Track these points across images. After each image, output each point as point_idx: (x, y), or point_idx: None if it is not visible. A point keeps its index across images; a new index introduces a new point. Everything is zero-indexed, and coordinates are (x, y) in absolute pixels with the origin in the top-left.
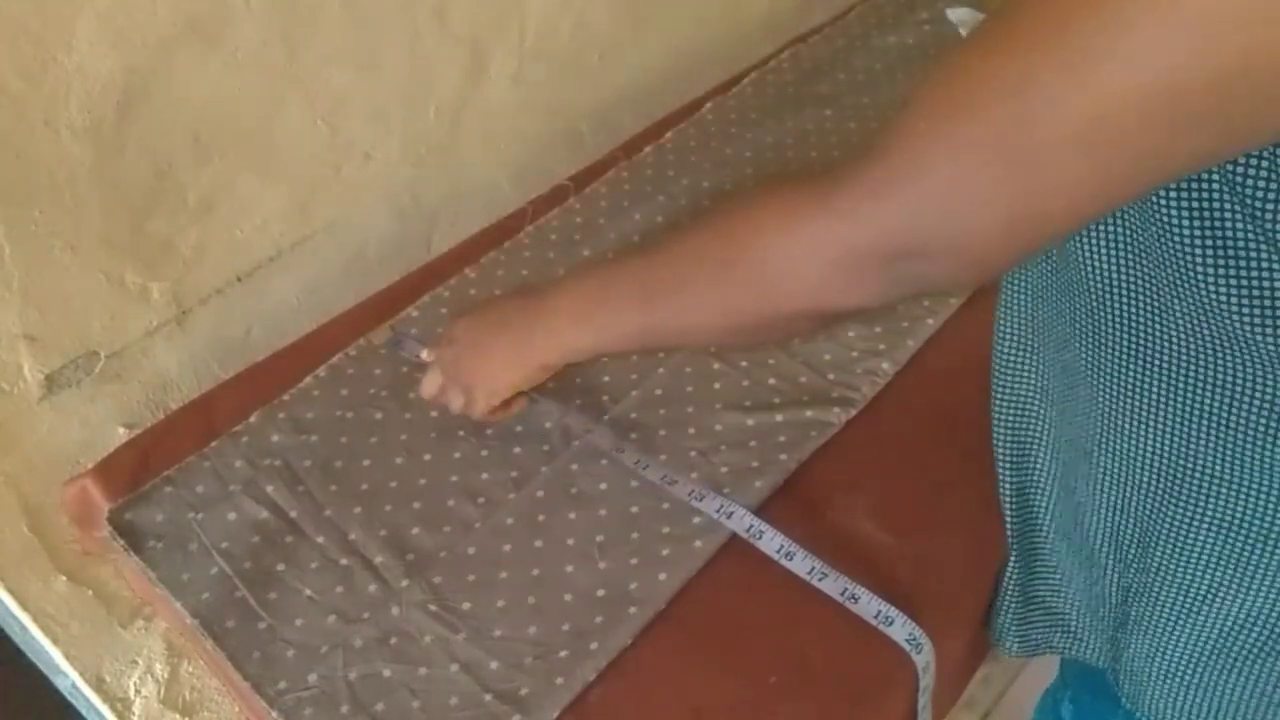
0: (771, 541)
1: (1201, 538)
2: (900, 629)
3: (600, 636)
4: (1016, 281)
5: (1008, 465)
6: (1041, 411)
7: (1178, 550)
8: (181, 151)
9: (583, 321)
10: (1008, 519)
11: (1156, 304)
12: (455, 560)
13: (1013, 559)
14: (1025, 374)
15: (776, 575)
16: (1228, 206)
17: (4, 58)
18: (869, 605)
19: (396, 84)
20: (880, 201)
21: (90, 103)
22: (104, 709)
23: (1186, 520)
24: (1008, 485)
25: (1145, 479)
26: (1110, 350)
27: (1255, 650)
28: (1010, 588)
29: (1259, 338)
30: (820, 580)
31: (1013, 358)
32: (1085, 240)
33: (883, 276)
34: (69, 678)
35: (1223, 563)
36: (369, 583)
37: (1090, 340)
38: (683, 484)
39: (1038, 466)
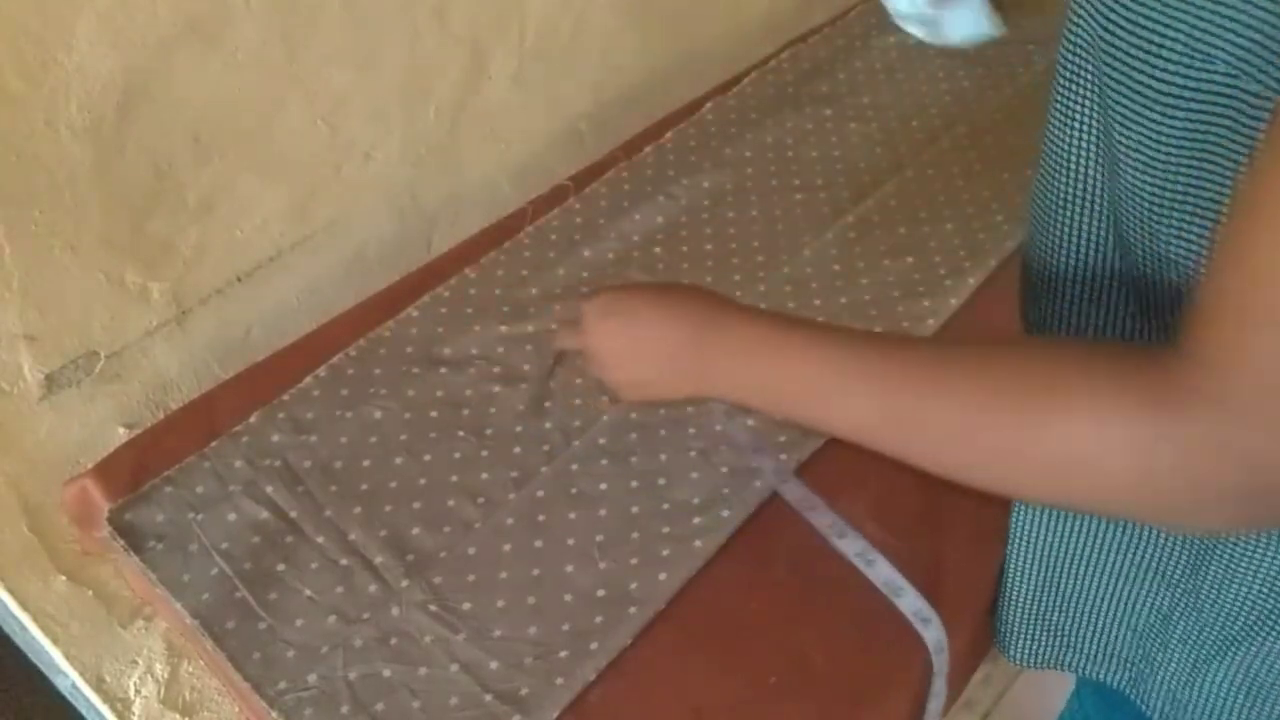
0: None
1: (1258, 558)
2: (909, 602)
3: (600, 636)
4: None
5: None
6: None
7: (1230, 571)
8: (181, 151)
9: (775, 395)
10: (1020, 536)
11: None
12: (455, 560)
13: (1015, 577)
14: None
15: (777, 575)
16: None
17: (4, 58)
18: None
19: (396, 84)
20: (1239, 428)
21: (90, 103)
22: (104, 709)
23: (1244, 539)
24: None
25: None
26: None
27: None
28: (1015, 604)
29: None
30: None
31: None
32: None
33: (1243, 507)
34: (69, 678)
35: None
36: (369, 583)
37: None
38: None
39: None
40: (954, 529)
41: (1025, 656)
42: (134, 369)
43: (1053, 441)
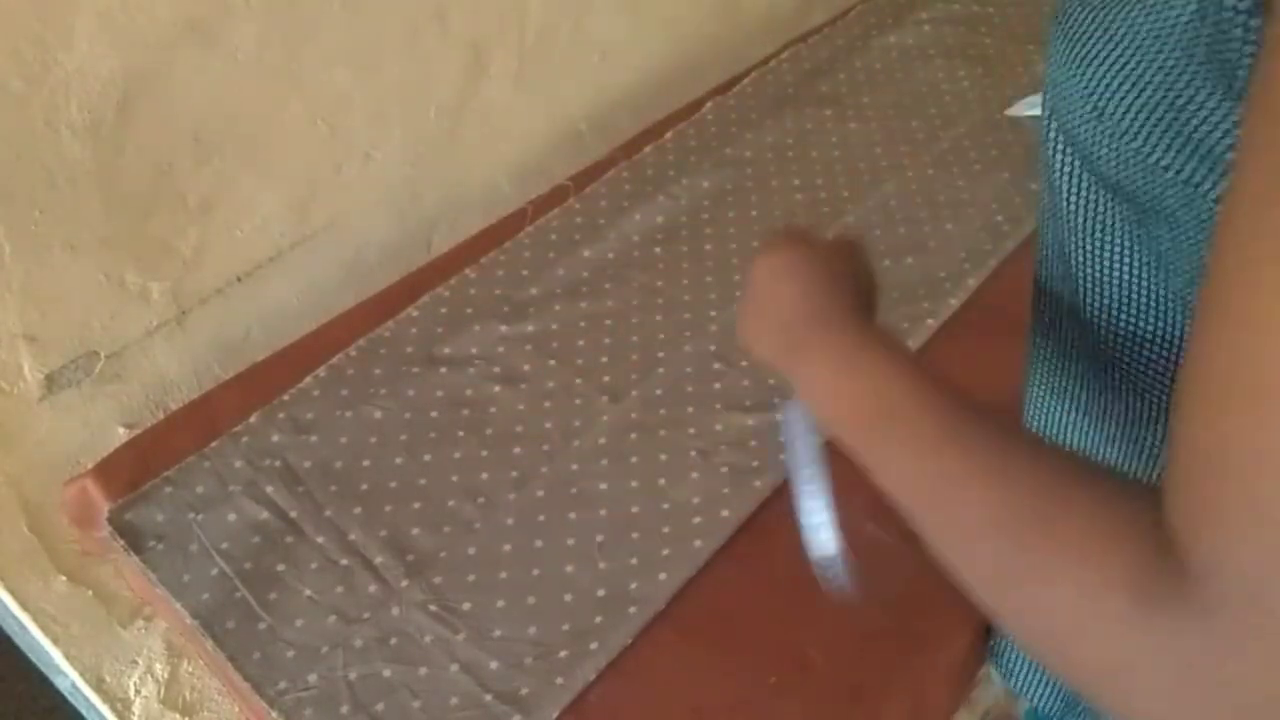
0: None
1: None
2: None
3: (600, 636)
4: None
5: None
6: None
7: None
8: (181, 151)
9: (841, 410)
10: None
11: None
12: (455, 560)
13: None
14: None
15: (777, 575)
16: None
17: (4, 58)
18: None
19: (396, 84)
20: (1225, 650)
21: (90, 103)
22: (104, 709)
23: None
24: None
25: None
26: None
27: None
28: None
29: None
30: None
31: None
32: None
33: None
34: (69, 678)
35: None
36: (369, 583)
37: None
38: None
39: None
40: None
41: (1011, 678)
42: (134, 369)
43: (1034, 597)
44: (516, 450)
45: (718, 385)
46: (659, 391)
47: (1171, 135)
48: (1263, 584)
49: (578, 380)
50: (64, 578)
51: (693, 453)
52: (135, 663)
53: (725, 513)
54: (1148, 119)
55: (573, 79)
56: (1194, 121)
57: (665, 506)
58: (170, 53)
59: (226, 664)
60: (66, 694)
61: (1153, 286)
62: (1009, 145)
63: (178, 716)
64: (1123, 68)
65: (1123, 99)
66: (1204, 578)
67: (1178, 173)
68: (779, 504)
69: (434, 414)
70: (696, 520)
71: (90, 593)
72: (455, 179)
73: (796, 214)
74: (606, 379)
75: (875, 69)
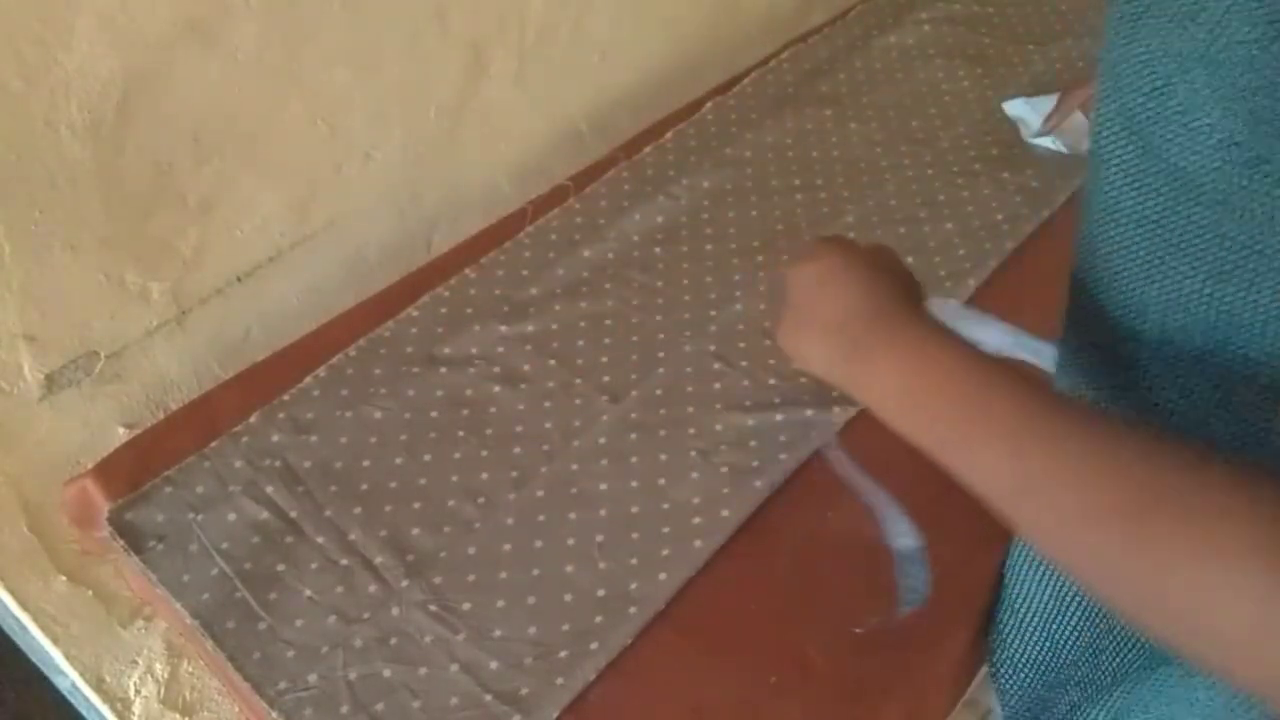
0: None
1: None
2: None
3: (600, 636)
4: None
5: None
6: None
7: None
8: (181, 151)
9: (916, 409)
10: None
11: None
12: (455, 560)
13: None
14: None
15: (777, 575)
16: None
17: (4, 58)
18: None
19: (396, 84)
20: None
21: (90, 103)
22: (104, 709)
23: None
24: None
25: None
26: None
27: None
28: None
29: None
30: None
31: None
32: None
33: None
34: (69, 678)
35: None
36: (369, 583)
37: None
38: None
39: None
40: (954, 531)
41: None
42: (134, 369)
43: (1187, 585)
44: (516, 450)
45: (718, 385)
46: (659, 391)
47: (1249, 108)
48: None
49: (578, 380)
50: (64, 578)
51: (693, 453)
52: (135, 663)
53: (725, 513)
54: (1218, 90)
55: (573, 79)
56: (1274, 97)
57: (665, 506)
58: (170, 53)
59: (226, 664)
60: (66, 694)
61: (1215, 296)
62: (1009, 145)
63: (178, 716)
64: (1189, 42)
65: (1188, 72)
66: None
67: (1250, 149)
68: (779, 504)
69: (434, 414)
70: (696, 520)
71: (90, 593)
72: (455, 179)
73: (796, 214)
74: (606, 379)
75: (875, 69)
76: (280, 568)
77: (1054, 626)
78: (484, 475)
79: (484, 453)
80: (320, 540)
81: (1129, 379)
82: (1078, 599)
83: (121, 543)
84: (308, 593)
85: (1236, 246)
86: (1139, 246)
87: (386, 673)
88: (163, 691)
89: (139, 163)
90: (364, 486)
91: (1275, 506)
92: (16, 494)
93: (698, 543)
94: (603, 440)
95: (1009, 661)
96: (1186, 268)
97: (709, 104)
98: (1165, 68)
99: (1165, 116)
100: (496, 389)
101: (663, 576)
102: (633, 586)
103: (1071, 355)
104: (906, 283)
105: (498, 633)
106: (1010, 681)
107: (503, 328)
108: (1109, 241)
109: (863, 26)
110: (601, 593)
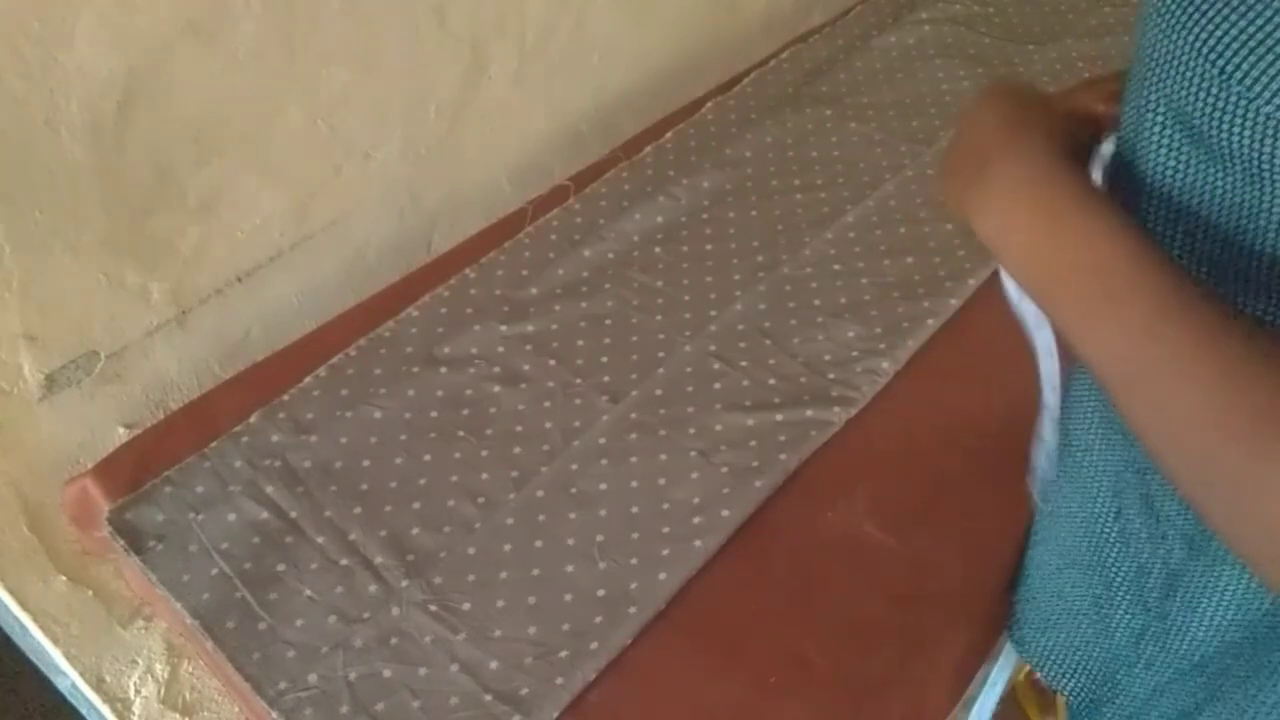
0: None
1: (1225, 585)
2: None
3: (600, 636)
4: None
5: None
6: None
7: (1198, 596)
8: (181, 151)
9: (1039, 262)
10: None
11: None
12: (455, 560)
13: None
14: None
15: (777, 575)
16: None
17: (4, 58)
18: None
19: (396, 84)
20: None
21: (90, 103)
22: (104, 709)
23: (1215, 566)
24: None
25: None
26: None
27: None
28: (1025, 598)
29: None
30: None
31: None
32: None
33: None
34: (69, 678)
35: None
36: (369, 583)
37: None
38: None
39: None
40: (952, 529)
41: (1027, 649)
42: (134, 369)
43: (1259, 498)
44: (516, 450)
45: (718, 385)
46: (659, 391)
47: None
48: None
49: (578, 380)
50: (64, 578)
51: (693, 453)
52: (135, 663)
53: (725, 513)
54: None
55: (573, 79)
56: None
57: (665, 506)
58: (170, 53)
59: (226, 664)
60: (66, 694)
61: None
62: None
63: (178, 716)
64: (1252, 21)
65: (1249, 55)
66: None
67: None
68: (779, 504)
69: (434, 414)
70: (696, 520)
71: (90, 593)
72: (455, 179)
73: (796, 214)
74: (606, 379)
75: (875, 69)
76: (280, 568)
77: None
78: (484, 475)
79: (484, 453)
80: (320, 540)
81: None
82: (1061, 607)
83: (121, 543)
84: (308, 593)
85: None
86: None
87: (386, 673)
88: (163, 691)
89: (139, 163)
90: (364, 486)
91: None
92: (16, 494)
93: (698, 543)
94: (603, 440)
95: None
96: (1236, 258)
97: (709, 104)
98: (1223, 53)
99: (1224, 106)
100: (496, 389)
101: (663, 576)
102: (633, 586)
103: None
104: (1066, 127)
105: (498, 633)
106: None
107: (503, 328)
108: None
109: (863, 26)
110: (601, 593)
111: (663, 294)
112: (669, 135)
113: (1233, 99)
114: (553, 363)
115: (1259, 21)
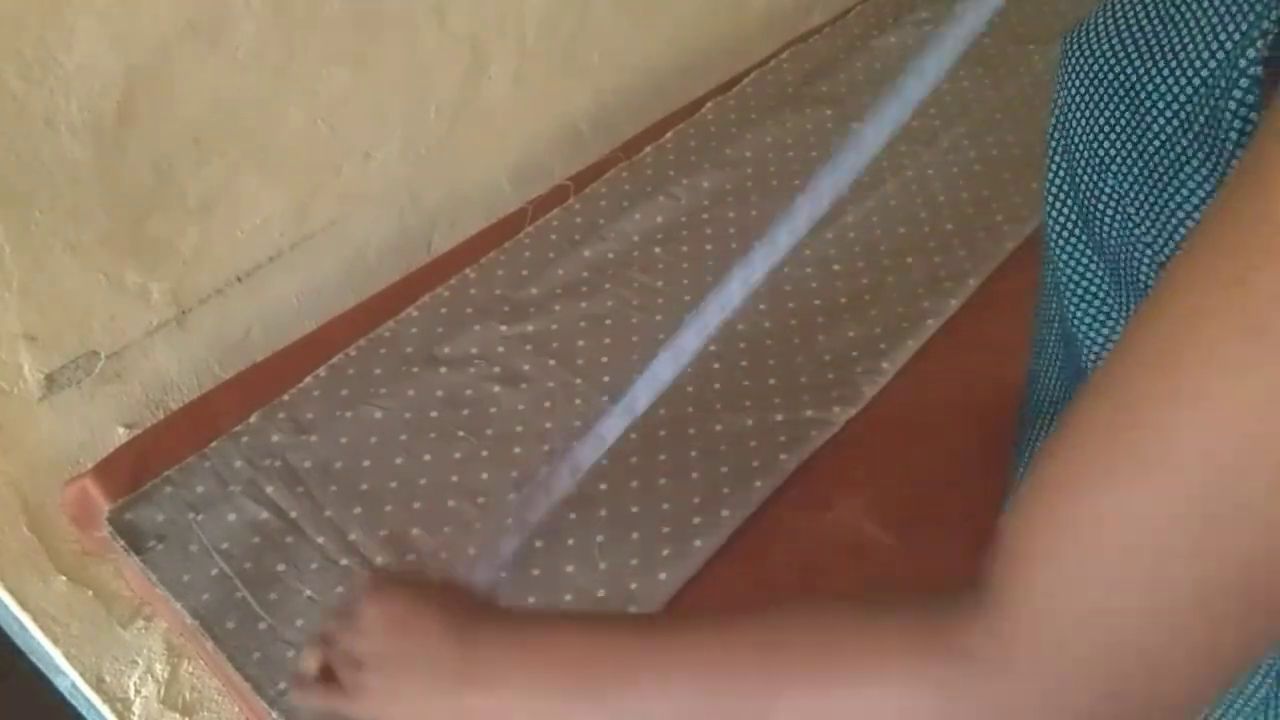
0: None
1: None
2: None
3: None
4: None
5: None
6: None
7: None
8: (181, 151)
9: (550, 699)
10: None
11: None
12: (455, 561)
13: None
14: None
15: (776, 575)
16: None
17: (4, 58)
18: None
19: (396, 84)
20: (1018, 690)
21: (90, 103)
22: (104, 709)
23: None
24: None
25: None
26: None
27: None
28: None
29: None
30: None
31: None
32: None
33: None
34: (69, 678)
35: None
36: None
37: None
38: None
39: None
40: (952, 529)
41: None
42: (134, 369)
43: (856, 714)
44: (517, 450)
45: (718, 385)
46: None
47: (1158, 207)
48: (1051, 623)
49: (578, 380)
50: (64, 578)
51: (693, 453)
52: (135, 663)
53: (725, 513)
54: (1149, 177)
55: (573, 79)
56: (1178, 197)
57: (665, 506)
58: (170, 53)
59: (226, 664)
60: (66, 694)
61: None
62: (1009, 145)
63: (178, 716)
64: (1129, 122)
65: (1128, 152)
66: (999, 623)
67: (1156, 249)
68: (779, 504)
69: (434, 414)
70: (696, 520)
71: (90, 593)
72: (455, 179)
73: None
74: (606, 379)
75: (875, 69)
76: (280, 568)
77: None
78: (484, 475)
79: (484, 453)
80: (320, 540)
81: None
82: None
83: (121, 543)
84: (308, 593)
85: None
86: (1095, 293)
87: None
88: (163, 691)
89: (139, 162)
90: (364, 486)
91: (889, 614)
92: (16, 494)
93: (697, 543)
94: None
95: None
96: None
97: (709, 104)
98: (1107, 147)
99: (1102, 192)
100: (496, 389)
101: (662, 576)
102: (633, 586)
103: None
104: (463, 597)
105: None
106: None
107: (503, 328)
108: (1059, 285)
109: (863, 26)
110: (601, 593)
111: (663, 294)
112: (669, 135)
113: (1111, 185)
114: (553, 363)
115: (1134, 118)
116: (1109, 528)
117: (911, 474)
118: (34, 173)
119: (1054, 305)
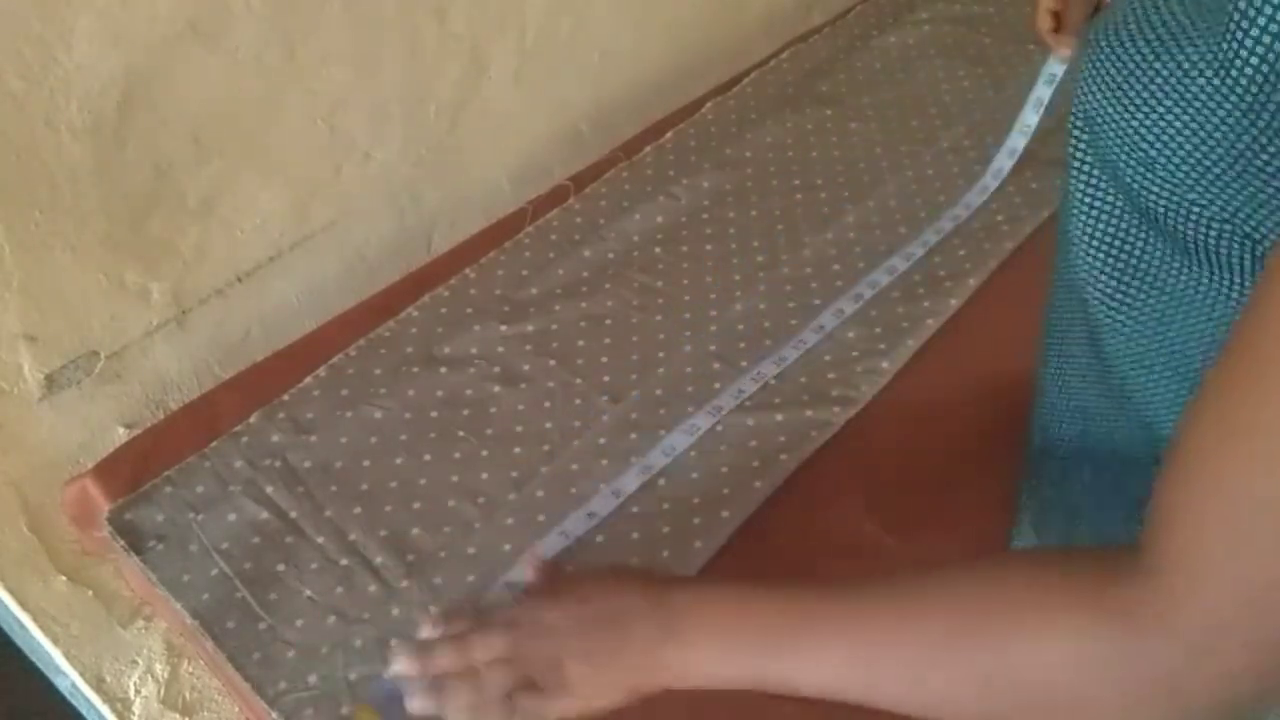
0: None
1: None
2: None
3: None
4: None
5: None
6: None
7: None
8: (181, 151)
9: (739, 646)
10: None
11: None
12: (455, 560)
13: None
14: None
15: (776, 575)
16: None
17: (4, 58)
18: None
19: (396, 84)
20: (1182, 647)
21: (90, 103)
22: (104, 709)
23: None
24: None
25: None
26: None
27: None
28: None
29: None
30: None
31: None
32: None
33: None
34: (69, 678)
35: None
36: (369, 583)
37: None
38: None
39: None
40: (953, 529)
41: None
42: (134, 369)
43: (1023, 666)
44: (516, 450)
45: (717, 385)
46: (659, 391)
47: (1234, 189)
48: (1226, 601)
49: (578, 380)
50: (64, 578)
51: (692, 453)
52: (135, 663)
53: (725, 513)
54: (1206, 172)
55: (573, 79)
56: (1260, 179)
57: (665, 506)
58: (170, 53)
59: (226, 664)
60: (66, 694)
61: (1179, 321)
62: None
63: (178, 716)
64: (1177, 119)
65: (1176, 151)
66: (1175, 596)
67: (1239, 224)
68: (779, 505)
69: (434, 414)
70: (696, 521)
71: (90, 593)
72: (455, 179)
73: (796, 214)
74: (606, 379)
75: (875, 69)
76: (280, 568)
77: None
78: (484, 475)
79: (484, 453)
80: (320, 540)
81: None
82: None
83: (121, 543)
84: (308, 593)
85: (1201, 283)
86: (1108, 276)
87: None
88: (163, 691)
89: (139, 163)
90: (364, 486)
91: (1085, 577)
92: (16, 494)
93: (697, 544)
94: (603, 440)
95: None
96: (1153, 299)
97: (709, 104)
98: (1152, 143)
99: (1151, 186)
100: (496, 389)
101: None
102: None
103: (1051, 374)
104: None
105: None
106: None
107: (503, 328)
108: (1077, 269)
109: (863, 26)
110: None
111: (663, 294)
112: (669, 135)
113: (1158, 182)
114: (553, 363)
115: (1182, 115)
116: (1267, 501)
117: (911, 474)
118: (34, 173)
119: (1073, 304)
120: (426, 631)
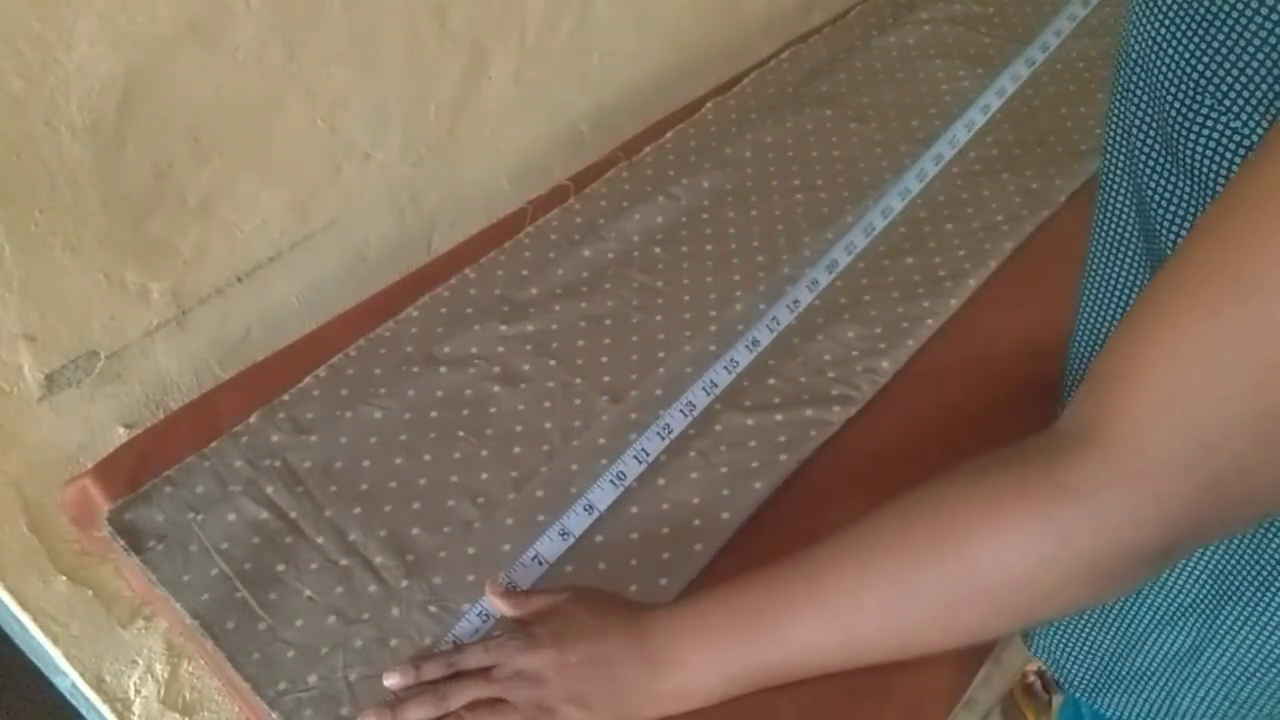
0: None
1: (1272, 609)
2: None
3: None
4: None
5: None
6: None
7: (1250, 610)
8: (181, 151)
9: (728, 633)
10: None
11: None
12: (455, 560)
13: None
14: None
15: None
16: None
17: (4, 58)
18: None
19: (396, 84)
20: (1131, 502)
21: (90, 103)
22: (104, 709)
23: (1266, 578)
24: None
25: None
26: None
27: None
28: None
29: None
30: None
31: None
32: None
33: (1143, 570)
34: (69, 678)
35: None
36: (369, 583)
37: None
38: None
39: None
40: None
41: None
42: (134, 369)
43: (983, 579)
44: (516, 450)
45: (717, 385)
46: (659, 391)
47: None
48: (1156, 437)
49: (578, 380)
50: (64, 578)
51: (692, 453)
52: (135, 663)
53: (725, 514)
54: (1250, 100)
55: (573, 79)
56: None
57: (664, 507)
58: (170, 53)
59: (226, 664)
60: (66, 694)
61: None
62: (1009, 145)
63: (178, 716)
64: (1222, 45)
65: (1224, 78)
66: (1094, 445)
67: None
68: (779, 506)
69: (434, 414)
70: (696, 522)
71: (90, 593)
72: (455, 179)
73: (796, 214)
74: (606, 379)
75: (875, 69)
76: (280, 568)
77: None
78: (484, 475)
79: (484, 453)
80: (320, 540)
81: None
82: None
83: (121, 543)
84: (308, 593)
85: None
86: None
87: None
88: (163, 691)
89: (139, 162)
90: (364, 486)
91: (1007, 467)
92: (16, 494)
93: (697, 545)
94: (602, 440)
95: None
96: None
97: (709, 104)
98: (1202, 72)
99: (1195, 118)
100: (496, 389)
101: (663, 582)
102: (632, 589)
103: (1082, 358)
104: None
105: (498, 633)
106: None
107: (503, 328)
108: (1123, 241)
109: (863, 26)
110: None
111: (663, 294)
112: (669, 135)
113: (1204, 112)
114: (553, 363)
115: (1232, 34)
116: (1215, 347)
117: (911, 474)
118: (34, 173)
119: (1115, 260)
120: (395, 680)
